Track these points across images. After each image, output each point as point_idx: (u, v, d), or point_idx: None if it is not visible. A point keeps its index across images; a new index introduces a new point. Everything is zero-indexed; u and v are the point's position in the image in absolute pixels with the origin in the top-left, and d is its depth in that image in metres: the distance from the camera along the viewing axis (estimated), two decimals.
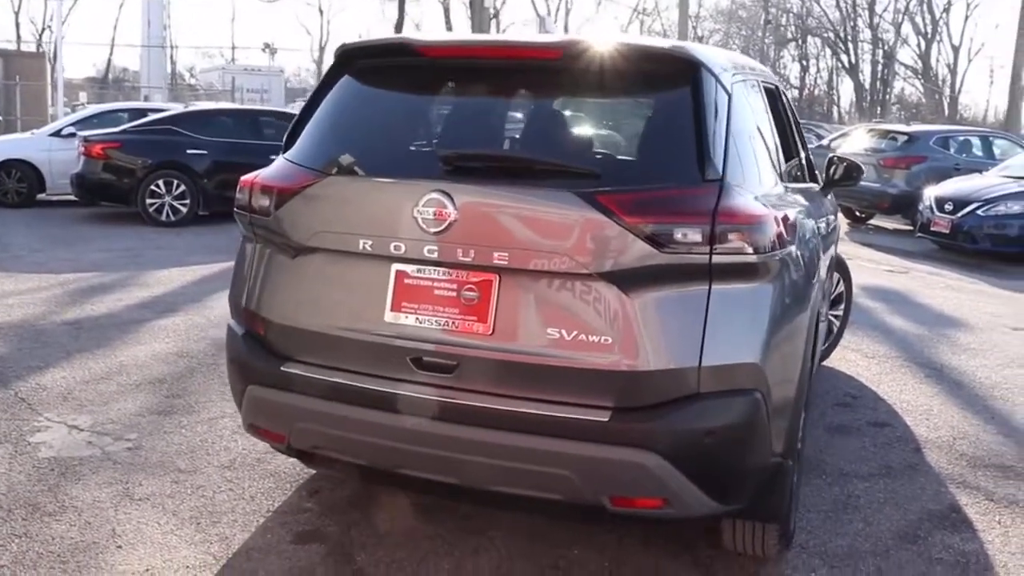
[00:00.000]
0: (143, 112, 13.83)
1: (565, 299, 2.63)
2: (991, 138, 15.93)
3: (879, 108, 55.19)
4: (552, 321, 2.63)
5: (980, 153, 15.06)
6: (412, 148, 3.03)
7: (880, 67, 57.20)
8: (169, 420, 4.60)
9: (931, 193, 12.21)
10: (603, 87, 2.94)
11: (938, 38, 54.85)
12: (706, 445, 2.60)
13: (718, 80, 2.85)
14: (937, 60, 55.34)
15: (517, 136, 3.08)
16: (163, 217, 11.52)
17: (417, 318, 2.75)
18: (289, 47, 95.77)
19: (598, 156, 2.82)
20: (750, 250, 2.59)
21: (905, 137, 14.82)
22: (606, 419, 2.57)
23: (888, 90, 58.17)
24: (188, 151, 11.61)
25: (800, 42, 60.41)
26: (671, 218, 2.56)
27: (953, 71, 55.26)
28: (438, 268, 2.73)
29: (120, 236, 10.73)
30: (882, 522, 3.76)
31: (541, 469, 2.64)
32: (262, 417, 3.06)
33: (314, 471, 3.96)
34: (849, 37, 56.54)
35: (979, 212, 11.39)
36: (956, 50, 55.24)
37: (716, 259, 2.56)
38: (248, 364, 3.04)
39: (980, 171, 13.27)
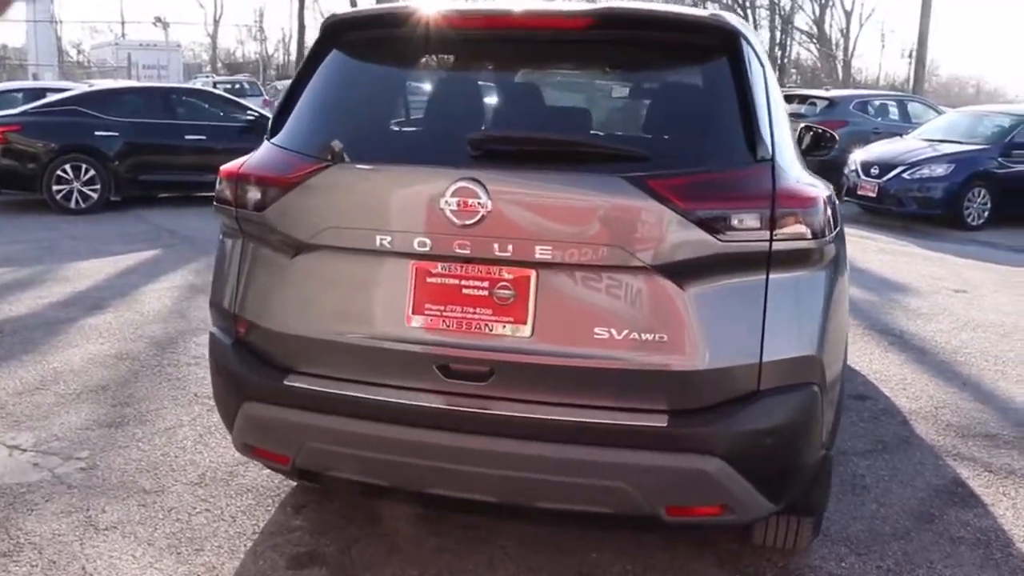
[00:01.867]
0: (41, 92, 12.95)
1: (613, 295, 2.40)
2: (906, 102, 16.30)
3: (778, 72, 56.28)
4: (600, 319, 2.39)
5: (896, 117, 15.39)
6: (429, 131, 2.73)
7: (778, 32, 58.29)
8: (121, 433, 4.20)
9: (856, 157, 12.38)
10: (639, 60, 2.70)
11: (831, 3, 56.30)
12: (768, 446, 2.42)
13: (756, 52, 2.65)
14: (831, 25, 56.90)
15: (550, 116, 2.81)
16: (72, 204, 10.77)
17: (443, 321, 2.48)
18: (182, 21, 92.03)
19: (643, 137, 2.58)
20: (809, 235, 2.41)
21: (825, 102, 15.02)
22: (664, 424, 2.36)
23: (786, 55, 59.39)
24: (97, 133, 10.85)
25: (700, 9, 61.06)
26: (730, 203, 2.34)
27: (846, 36, 56.84)
28: (466, 265, 2.45)
29: (28, 226, 10.00)
30: (894, 502, 3.67)
31: (592, 482, 2.41)
32: (261, 437, 2.75)
33: (294, 483, 3.66)
34: (747, 3, 57.42)
35: (904, 176, 11.59)
36: (848, 15, 56.85)
37: (776, 246, 2.36)
38: (242, 378, 2.72)
39: (900, 135, 13.53)
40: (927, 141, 12.46)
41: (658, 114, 2.68)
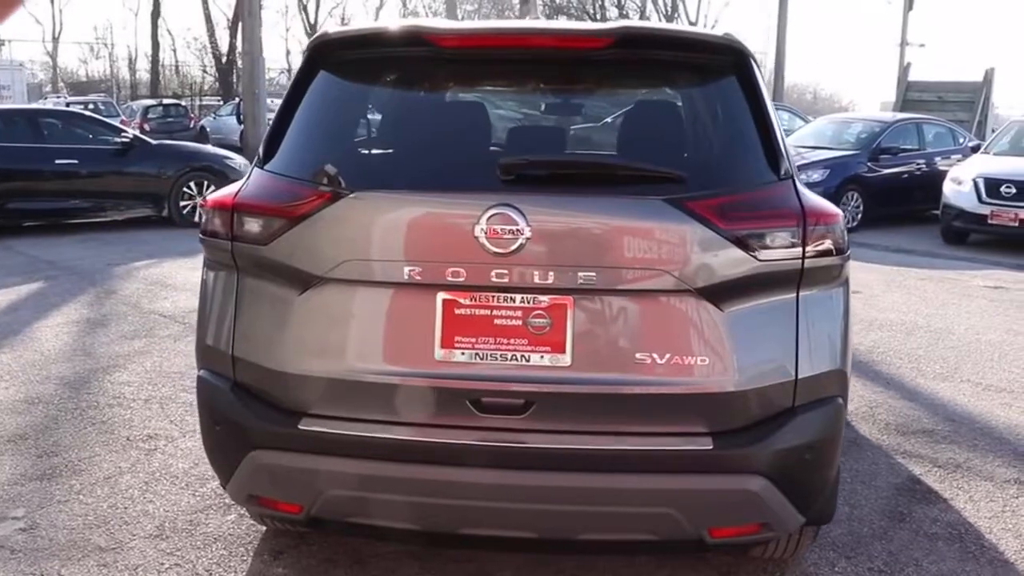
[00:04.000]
0: None
1: (653, 319, 2.37)
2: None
3: None
4: (640, 344, 2.35)
5: None
6: (451, 156, 2.62)
7: None
8: (57, 486, 3.87)
9: None
10: (657, 80, 2.68)
11: (677, 15, 58.51)
12: (805, 461, 2.44)
13: (759, 69, 2.67)
14: None
15: (576, 138, 2.74)
16: None
17: (476, 354, 2.38)
18: (18, 38, 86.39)
19: (674, 158, 2.56)
20: (834, 250, 2.45)
21: None
22: (710, 447, 2.34)
23: None
24: None
25: (552, 19, 62.21)
26: (766, 222, 2.36)
27: None
28: (498, 295, 2.37)
29: None
30: (863, 503, 3.78)
31: (639, 510, 2.37)
32: (272, 486, 2.57)
33: (264, 528, 3.45)
34: (598, 15, 58.97)
35: None
36: (693, 26, 59.14)
37: (807, 263, 2.39)
38: (247, 424, 2.53)
39: None
40: (802, 147, 13.04)
41: (684, 135, 2.67)
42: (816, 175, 12.00)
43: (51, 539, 3.40)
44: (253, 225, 2.51)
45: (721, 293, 2.35)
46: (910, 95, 20.15)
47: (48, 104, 24.99)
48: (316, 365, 2.47)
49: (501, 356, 2.37)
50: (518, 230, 2.30)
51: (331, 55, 2.68)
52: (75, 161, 10.79)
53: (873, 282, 8.74)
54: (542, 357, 2.36)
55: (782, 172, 2.46)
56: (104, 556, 3.28)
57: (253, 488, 2.60)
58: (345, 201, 2.42)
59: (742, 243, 2.33)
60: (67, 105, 24.23)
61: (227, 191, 2.64)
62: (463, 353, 2.39)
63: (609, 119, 2.80)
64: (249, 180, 2.63)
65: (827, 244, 2.43)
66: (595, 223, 2.34)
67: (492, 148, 2.58)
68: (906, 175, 12.79)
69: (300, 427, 2.46)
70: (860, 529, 3.55)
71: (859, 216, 12.24)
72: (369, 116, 2.72)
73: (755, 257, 2.34)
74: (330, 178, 2.47)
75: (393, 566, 3.21)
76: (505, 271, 2.33)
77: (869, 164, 12.45)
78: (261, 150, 2.68)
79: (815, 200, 2.51)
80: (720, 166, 2.54)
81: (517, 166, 2.41)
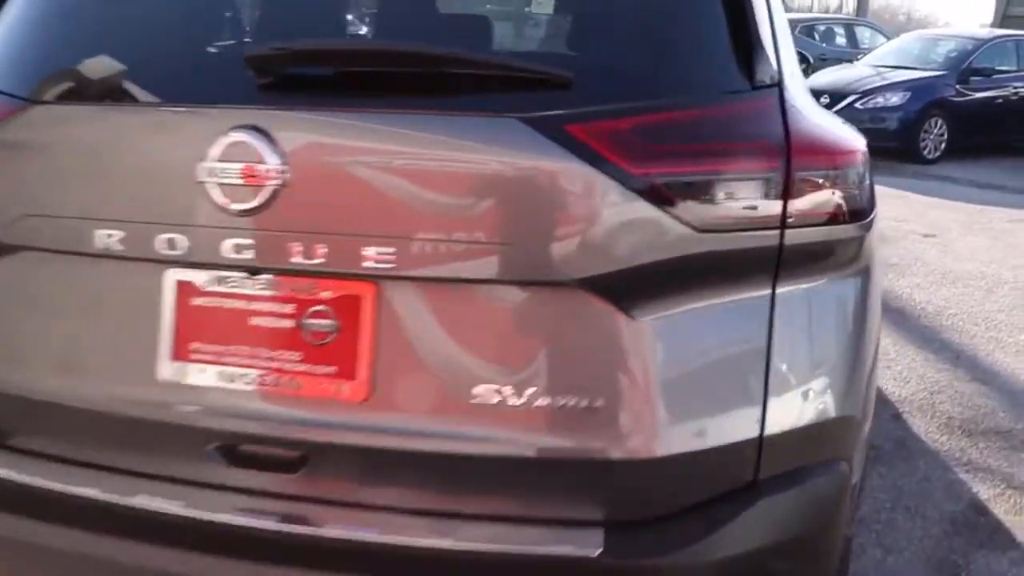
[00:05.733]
0: None
1: (508, 329, 1.38)
2: (854, 26, 15.59)
3: None
4: (482, 373, 1.37)
5: (844, 42, 14.70)
6: (187, 50, 1.64)
7: None
8: None
9: None
10: None
11: None
12: (770, 571, 1.45)
13: None
14: None
15: (383, 17, 1.73)
16: None
17: (221, 371, 1.44)
18: None
19: (555, 50, 1.51)
20: (844, 213, 1.42)
21: None
22: (597, 551, 1.36)
23: None
24: None
25: None
26: (715, 161, 1.34)
27: None
28: (254, 277, 1.41)
29: None
30: (903, 545, 2.79)
31: None
32: None
33: None
34: None
35: (857, 105, 10.80)
36: None
37: (790, 236, 1.37)
38: None
39: (849, 61, 12.79)
40: (881, 67, 11.70)
41: (578, 12, 1.63)
42: (895, 98, 10.71)
43: None
44: None
45: (628, 288, 1.34)
46: (1012, 10, 18.15)
47: None
48: None
49: (261, 377, 1.43)
50: (267, 170, 1.33)
51: None
52: None
53: (951, 224, 7.55)
54: (323, 383, 1.41)
55: (759, 77, 1.41)
56: None
57: None
58: (22, 118, 1.48)
59: (666, 199, 1.31)
60: None
61: None
62: (203, 371, 1.45)
63: None
64: None
65: (828, 200, 1.39)
66: (402, 159, 1.35)
67: (245, 39, 1.60)
68: (1000, 100, 11.32)
69: None
70: None
71: (943, 146, 10.92)
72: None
73: (691, 224, 1.32)
74: (10, 82, 1.52)
75: None
76: (248, 240, 1.36)
77: (957, 87, 11.04)
78: None
79: (815, 126, 1.46)
80: (639, 64, 1.47)
81: (273, 60, 1.40)
